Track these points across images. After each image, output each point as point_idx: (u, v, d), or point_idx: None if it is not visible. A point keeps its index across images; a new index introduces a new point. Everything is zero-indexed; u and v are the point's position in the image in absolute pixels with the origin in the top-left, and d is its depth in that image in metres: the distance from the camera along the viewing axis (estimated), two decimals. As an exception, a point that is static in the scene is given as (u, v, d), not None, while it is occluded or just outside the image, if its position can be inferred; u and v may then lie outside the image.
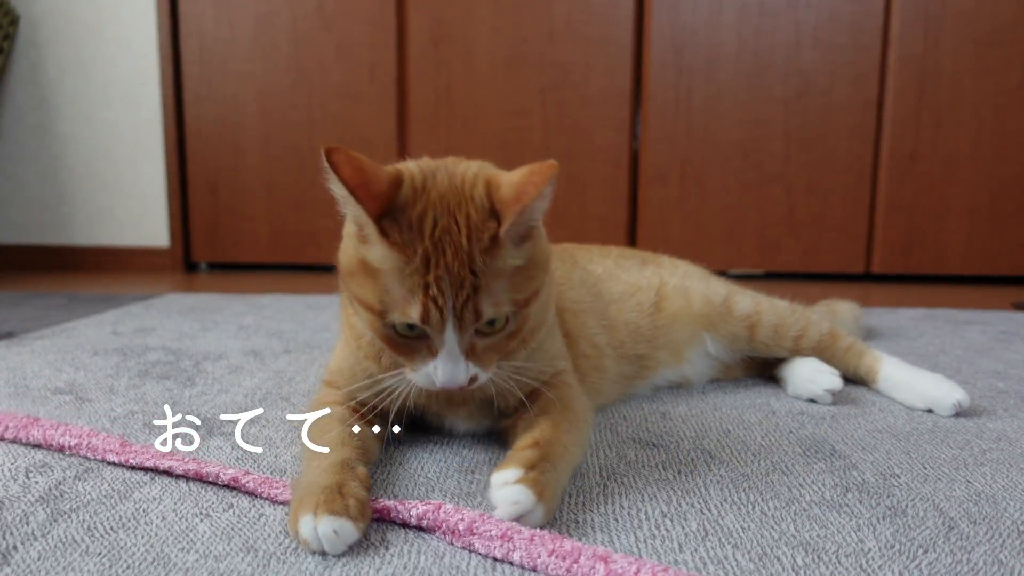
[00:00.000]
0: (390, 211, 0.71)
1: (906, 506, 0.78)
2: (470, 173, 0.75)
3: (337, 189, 0.70)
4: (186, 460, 0.82)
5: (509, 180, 0.74)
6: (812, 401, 1.18)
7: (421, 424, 0.99)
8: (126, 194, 3.06)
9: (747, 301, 1.26)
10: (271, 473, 0.87)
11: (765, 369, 1.31)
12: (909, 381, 1.17)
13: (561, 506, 0.78)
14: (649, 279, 1.23)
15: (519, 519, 0.70)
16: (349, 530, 0.67)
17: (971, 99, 2.64)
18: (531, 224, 0.75)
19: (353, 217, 0.74)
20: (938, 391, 1.12)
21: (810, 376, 1.18)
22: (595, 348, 1.08)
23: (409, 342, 0.76)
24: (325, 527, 0.66)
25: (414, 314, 0.71)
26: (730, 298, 1.25)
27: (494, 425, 0.96)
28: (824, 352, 1.25)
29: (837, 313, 1.54)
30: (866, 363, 1.24)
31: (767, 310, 1.25)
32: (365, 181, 0.69)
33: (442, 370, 0.75)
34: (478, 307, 0.72)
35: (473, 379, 0.76)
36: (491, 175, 0.76)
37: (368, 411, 0.88)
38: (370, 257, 0.73)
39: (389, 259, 0.71)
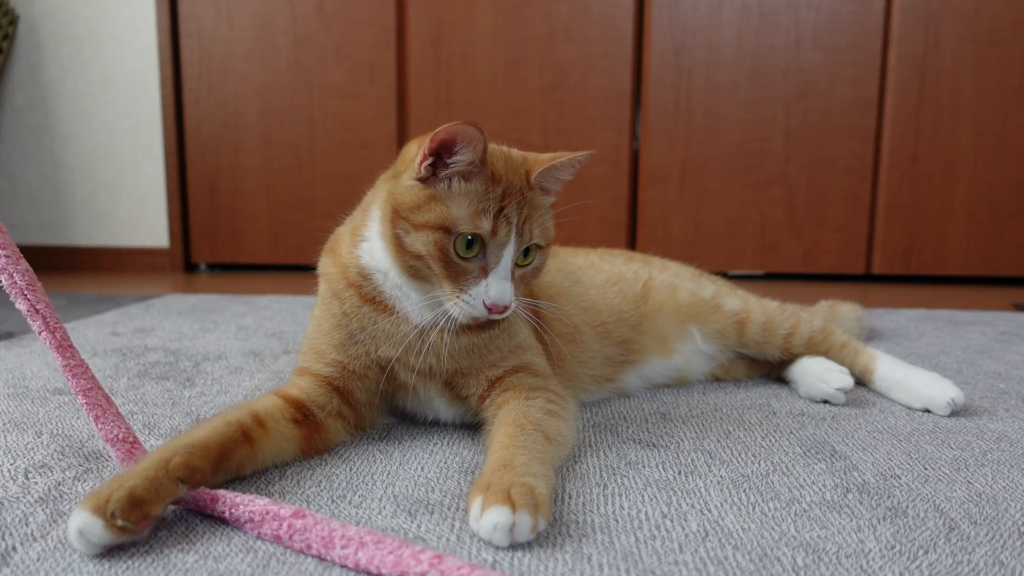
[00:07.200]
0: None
1: (907, 507, 0.78)
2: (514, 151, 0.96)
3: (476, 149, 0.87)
4: None
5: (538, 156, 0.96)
6: (825, 402, 1.18)
7: (407, 413, 1.04)
8: (126, 194, 3.06)
9: (736, 300, 1.29)
10: (271, 475, 0.87)
11: (773, 370, 1.31)
12: (905, 380, 1.17)
13: (561, 507, 0.78)
14: (636, 272, 1.28)
15: (514, 534, 0.68)
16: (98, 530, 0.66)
17: (971, 99, 2.64)
18: (547, 184, 0.94)
19: (468, 158, 0.88)
20: (932, 390, 1.13)
21: (820, 376, 1.18)
22: (570, 326, 1.13)
23: (464, 263, 0.86)
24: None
25: (486, 225, 0.85)
26: (719, 296, 1.28)
27: (473, 414, 0.99)
28: (817, 349, 1.26)
29: (840, 314, 1.54)
30: (862, 361, 1.25)
31: (756, 308, 1.28)
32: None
33: (495, 287, 0.86)
34: (531, 228, 0.90)
35: (507, 308, 0.87)
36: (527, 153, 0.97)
37: (347, 376, 0.95)
38: (451, 187, 0.88)
39: (473, 187, 0.87)
